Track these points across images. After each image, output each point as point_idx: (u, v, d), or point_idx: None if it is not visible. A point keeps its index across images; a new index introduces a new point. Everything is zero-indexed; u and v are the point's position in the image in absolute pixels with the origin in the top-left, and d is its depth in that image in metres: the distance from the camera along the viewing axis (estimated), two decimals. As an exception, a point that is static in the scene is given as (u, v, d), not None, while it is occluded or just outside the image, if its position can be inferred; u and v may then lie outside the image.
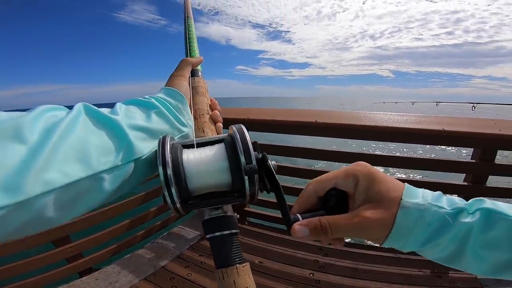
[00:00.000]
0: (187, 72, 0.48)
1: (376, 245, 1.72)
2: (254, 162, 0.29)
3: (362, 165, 0.32)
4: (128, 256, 1.61)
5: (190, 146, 0.33)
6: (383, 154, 1.74)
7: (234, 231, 0.31)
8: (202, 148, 0.33)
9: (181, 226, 1.91)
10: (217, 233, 0.30)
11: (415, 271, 1.41)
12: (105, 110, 0.33)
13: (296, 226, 0.30)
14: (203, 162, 0.31)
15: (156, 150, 0.33)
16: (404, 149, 8.77)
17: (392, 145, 9.46)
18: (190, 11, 0.59)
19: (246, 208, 1.91)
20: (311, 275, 1.42)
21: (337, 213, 0.31)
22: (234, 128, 0.33)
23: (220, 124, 0.47)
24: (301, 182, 1.93)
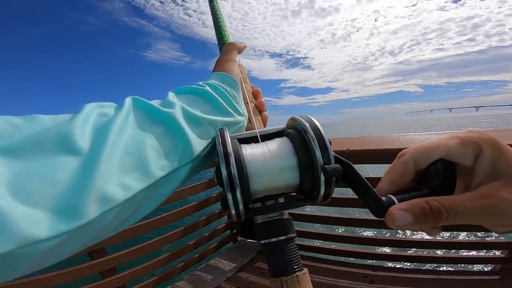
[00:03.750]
0: (235, 57, 0.43)
1: (428, 268, 1.60)
2: (332, 159, 0.24)
3: (480, 132, 0.24)
4: (168, 288, 1.62)
5: (245, 140, 0.30)
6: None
7: (292, 235, 0.27)
8: (263, 142, 0.29)
9: (217, 259, 1.91)
10: (274, 239, 0.26)
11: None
12: (156, 103, 0.29)
13: (394, 210, 0.22)
14: (268, 159, 0.26)
15: (209, 144, 0.30)
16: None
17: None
18: None
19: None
20: (356, 306, 1.34)
21: (443, 193, 0.23)
22: (300, 118, 0.28)
23: (266, 114, 0.43)
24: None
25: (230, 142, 0.25)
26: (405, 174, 0.26)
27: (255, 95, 0.45)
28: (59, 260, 0.20)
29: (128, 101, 0.27)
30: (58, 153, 0.19)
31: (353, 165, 0.25)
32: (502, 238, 1.45)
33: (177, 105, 0.29)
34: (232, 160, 0.24)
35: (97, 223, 0.19)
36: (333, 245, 1.80)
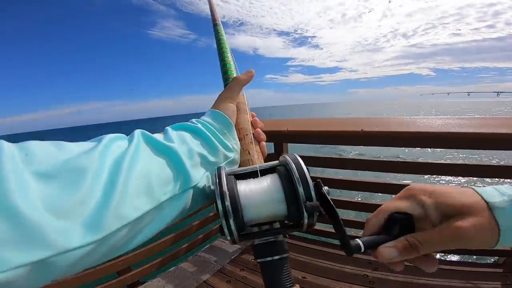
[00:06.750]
0: (236, 94, 0.45)
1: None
2: (313, 196, 0.29)
3: (413, 186, 0.32)
4: (172, 269, 1.63)
5: (241, 175, 0.35)
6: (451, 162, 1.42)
7: (285, 255, 0.31)
8: (256, 179, 0.34)
9: (221, 240, 1.91)
10: (269, 258, 0.31)
11: (483, 284, 1.27)
12: (160, 137, 0.34)
13: (382, 248, 0.30)
14: (258, 193, 0.31)
15: (207, 179, 0.36)
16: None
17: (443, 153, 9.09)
18: (216, 16, 0.54)
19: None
20: (360, 291, 1.33)
21: (403, 235, 0.31)
22: (288, 157, 0.33)
23: (264, 143, 0.46)
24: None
25: (225, 180, 0.30)
26: (371, 231, 0.33)
27: (254, 125, 0.46)
28: (84, 268, 0.24)
29: (137, 135, 0.32)
30: (86, 179, 0.23)
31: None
32: None
33: (176, 140, 0.34)
34: (227, 196, 0.29)
35: (114, 237, 0.24)
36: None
